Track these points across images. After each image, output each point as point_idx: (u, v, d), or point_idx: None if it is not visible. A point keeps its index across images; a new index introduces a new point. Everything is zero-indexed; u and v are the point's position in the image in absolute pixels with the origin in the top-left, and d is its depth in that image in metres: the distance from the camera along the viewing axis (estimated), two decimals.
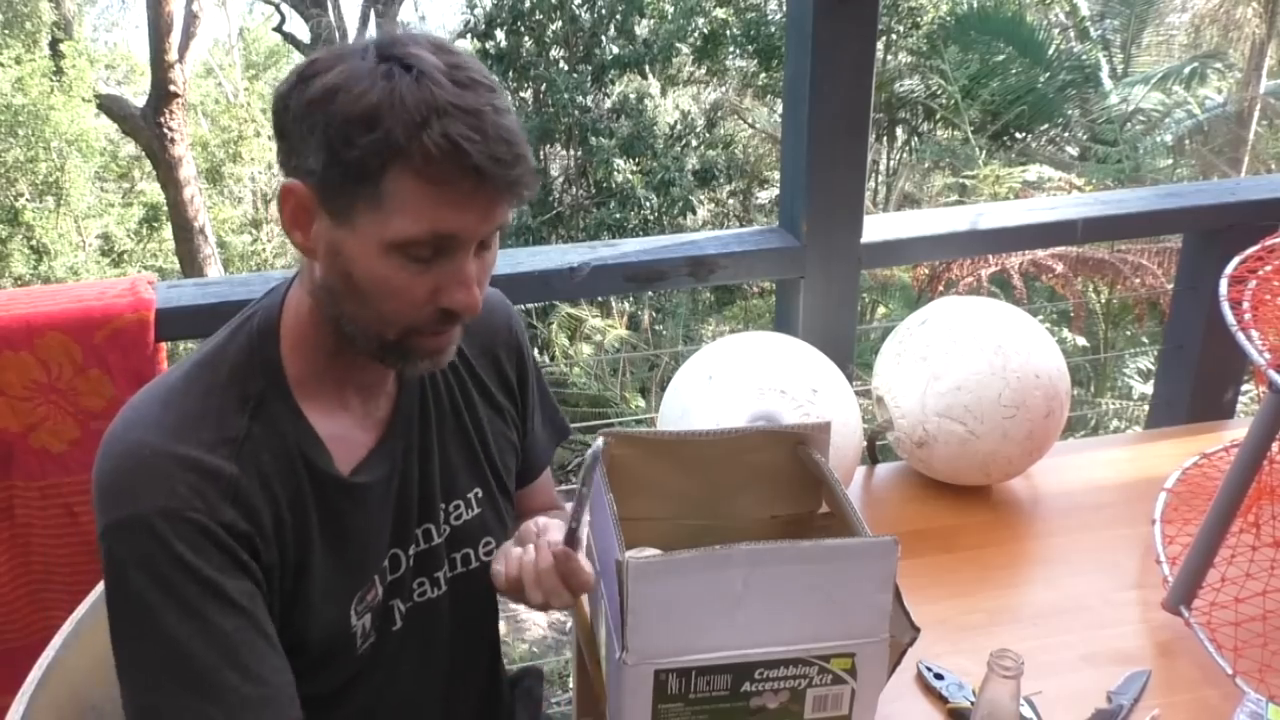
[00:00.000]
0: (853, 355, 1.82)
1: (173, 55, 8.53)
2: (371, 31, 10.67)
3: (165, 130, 8.65)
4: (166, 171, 8.92)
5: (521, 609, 7.01)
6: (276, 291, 0.94)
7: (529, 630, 6.85)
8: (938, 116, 9.95)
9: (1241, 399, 2.34)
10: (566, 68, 9.17)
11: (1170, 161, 7.71)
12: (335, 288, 0.85)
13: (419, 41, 0.81)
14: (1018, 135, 9.03)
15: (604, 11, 9.25)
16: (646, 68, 9.49)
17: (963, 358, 1.40)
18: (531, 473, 1.18)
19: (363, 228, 0.81)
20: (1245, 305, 1.12)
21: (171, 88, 8.58)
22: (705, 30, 10.15)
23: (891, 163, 11.29)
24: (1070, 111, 8.33)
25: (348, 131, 0.78)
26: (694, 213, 9.26)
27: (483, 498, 1.05)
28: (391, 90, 0.77)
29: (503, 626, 6.55)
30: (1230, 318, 1.10)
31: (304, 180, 0.82)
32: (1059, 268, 5.45)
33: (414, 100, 0.77)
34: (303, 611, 0.90)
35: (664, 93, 10.59)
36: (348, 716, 0.98)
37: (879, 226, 1.77)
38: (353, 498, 0.93)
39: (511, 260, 1.64)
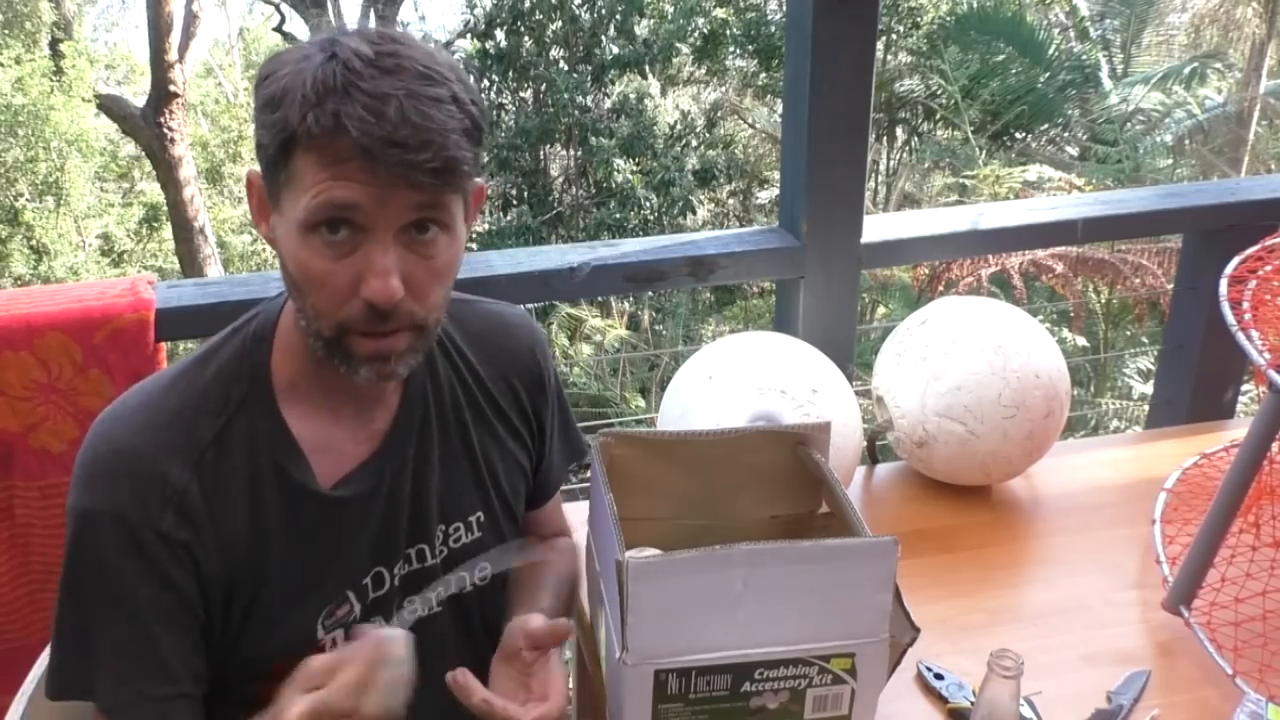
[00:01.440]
0: (853, 355, 1.82)
1: (173, 55, 8.53)
2: None
3: (165, 130, 8.65)
4: (166, 171, 8.92)
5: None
6: (280, 296, 0.94)
7: None
8: (938, 116, 9.96)
9: (1241, 399, 2.34)
10: (566, 68, 9.17)
11: (1170, 161, 7.71)
12: (286, 281, 0.87)
13: (368, 33, 0.82)
14: (1018, 135, 9.04)
15: (604, 11, 9.25)
16: (646, 68, 9.50)
17: (963, 358, 1.40)
18: (543, 495, 1.16)
19: (286, 212, 0.83)
20: (1245, 305, 1.12)
21: (171, 88, 8.58)
22: (705, 30, 10.16)
23: (891, 163, 11.30)
24: (1070, 111, 8.33)
25: (262, 116, 0.81)
26: (694, 213, 9.26)
27: (485, 522, 1.03)
28: (299, 73, 0.79)
29: None
30: (1230, 318, 1.10)
31: (260, 169, 0.85)
32: (1059, 268, 5.46)
33: (314, 82, 0.77)
34: (263, 619, 0.91)
35: (664, 93, 10.60)
36: None
37: (879, 226, 1.77)
38: (326, 511, 0.92)
39: (511, 260, 1.64)
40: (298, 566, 0.91)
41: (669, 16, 9.95)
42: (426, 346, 0.89)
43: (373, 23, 10.56)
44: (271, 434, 0.89)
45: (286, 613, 0.91)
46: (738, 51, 10.57)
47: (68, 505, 0.86)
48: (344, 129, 0.76)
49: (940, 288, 5.79)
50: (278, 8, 12.11)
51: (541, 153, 9.53)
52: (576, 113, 8.97)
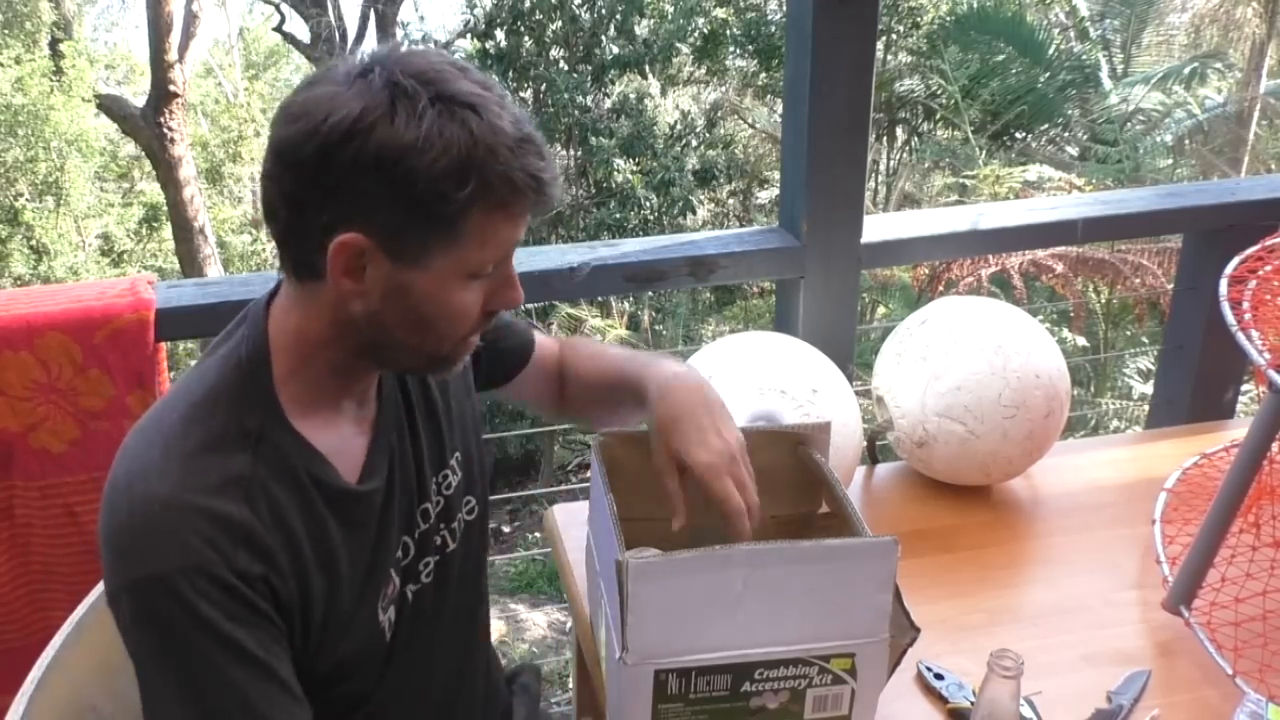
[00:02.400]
0: (853, 355, 1.82)
1: (173, 55, 8.53)
2: (371, 32, 10.68)
3: (165, 130, 8.65)
4: (166, 171, 8.92)
5: (521, 609, 7.02)
6: (253, 316, 0.92)
7: (529, 630, 6.85)
8: (938, 116, 9.96)
9: (1241, 399, 2.34)
10: (566, 68, 9.17)
11: (1170, 161, 7.71)
12: (388, 320, 0.86)
13: (445, 69, 0.82)
14: (1018, 135, 9.04)
15: (604, 11, 9.25)
16: (646, 68, 9.50)
17: (963, 358, 1.40)
18: (515, 357, 1.21)
19: (438, 265, 0.84)
20: (1245, 305, 1.12)
21: (171, 88, 8.58)
22: (705, 30, 10.16)
23: (891, 163, 11.30)
24: (1070, 111, 8.33)
25: (440, 188, 0.79)
26: (694, 213, 9.26)
27: (461, 459, 1.07)
28: (475, 141, 0.80)
29: (502, 626, 6.57)
30: (1230, 318, 1.10)
31: (364, 231, 0.81)
32: (1059, 268, 5.46)
33: (495, 144, 0.80)
34: (339, 624, 0.91)
35: (664, 93, 10.60)
36: (370, 711, 0.99)
37: (879, 226, 1.77)
38: (366, 504, 0.94)
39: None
40: (359, 564, 0.93)
41: (669, 16, 9.95)
42: None
43: (372, 22, 10.58)
44: (297, 451, 0.89)
45: (356, 611, 0.93)
46: (738, 51, 10.57)
47: (121, 585, 0.82)
48: (542, 183, 0.83)
49: (940, 288, 5.80)
50: (278, 8, 12.11)
51: None
52: (576, 113, 8.97)
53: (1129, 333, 6.31)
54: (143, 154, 10.23)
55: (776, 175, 7.31)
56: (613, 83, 9.48)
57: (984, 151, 8.23)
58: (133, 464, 0.85)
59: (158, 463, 0.84)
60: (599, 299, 8.22)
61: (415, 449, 1.01)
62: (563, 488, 8.06)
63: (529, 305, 6.36)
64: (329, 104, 0.79)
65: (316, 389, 0.91)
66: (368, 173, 0.79)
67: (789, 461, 1.09)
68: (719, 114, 11.16)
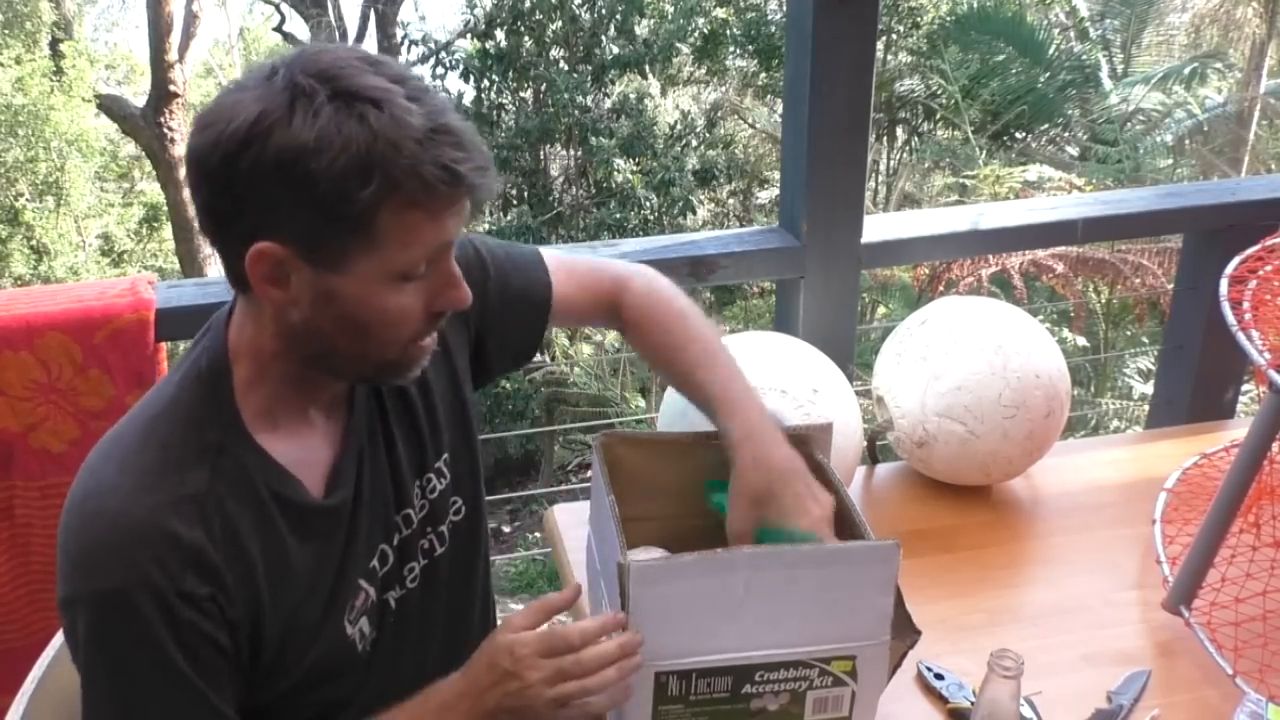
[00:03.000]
0: (853, 355, 1.82)
1: (173, 55, 8.54)
2: (372, 32, 10.67)
3: (165, 130, 8.65)
4: (166, 171, 8.92)
5: (521, 609, 7.00)
6: (214, 329, 0.91)
7: None
8: (938, 116, 9.96)
9: (1241, 399, 2.34)
10: (566, 68, 9.17)
11: (1170, 161, 7.71)
12: (325, 328, 0.84)
13: (350, 64, 0.79)
14: (1018, 135, 9.04)
15: (604, 11, 9.25)
16: (646, 68, 9.49)
17: (963, 358, 1.40)
18: (544, 302, 1.12)
19: (359, 270, 0.80)
20: (1245, 305, 1.12)
21: (171, 88, 8.58)
22: (705, 30, 10.16)
23: (891, 163, 11.30)
24: (1070, 111, 8.33)
25: (343, 188, 0.76)
26: (694, 213, 9.26)
27: (449, 460, 1.05)
28: (375, 135, 0.76)
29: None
30: (1230, 318, 1.10)
31: (278, 240, 0.79)
32: (1059, 268, 5.46)
33: (398, 138, 0.76)
34: (302, 637, 0.91)
35: (664, 93, 10.60)
36: (356, 713, 0.99)
37: (879, 226, 1.77)
38: (331, 518, 0.92)
39: None
40: (322, 580, 0.92)
41: (669, 16, 9.94)
42: None
43: (372, 22, 10.57)
44: (258, 466, 0.88)
45: (319, 625, 0.92)
46: (738, 51, 10.56)
47: (68, 596, 0.82)
48: (457, 176, 0.78)
49: (940, 288, 5.80)
50: (278, 8, 12.11)
51: (541, 153, 9.53)
52: (576, 113, 8.97)
53: (1129, 333, 6.31)
54: (143, 154, 10.24)
55: (776, 175, 7.30)
56: (613, 83, 9.47)
57: (984, 151, 8.23)
58: (89, 479, 0.85)
59: (113, 478, 0.84)
60: None
61: (391, 456, 0.98)
62: (563, 488, 8.06)
63: None
64: (231, 110, 0.77)
65: (278, 400, 0.90)
66: (269, 178, 0.76)
67: None
68: (719, 114, 11.15)
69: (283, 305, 0.83)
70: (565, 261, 1.15)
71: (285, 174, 0.76)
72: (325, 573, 0.92)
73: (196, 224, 0.88)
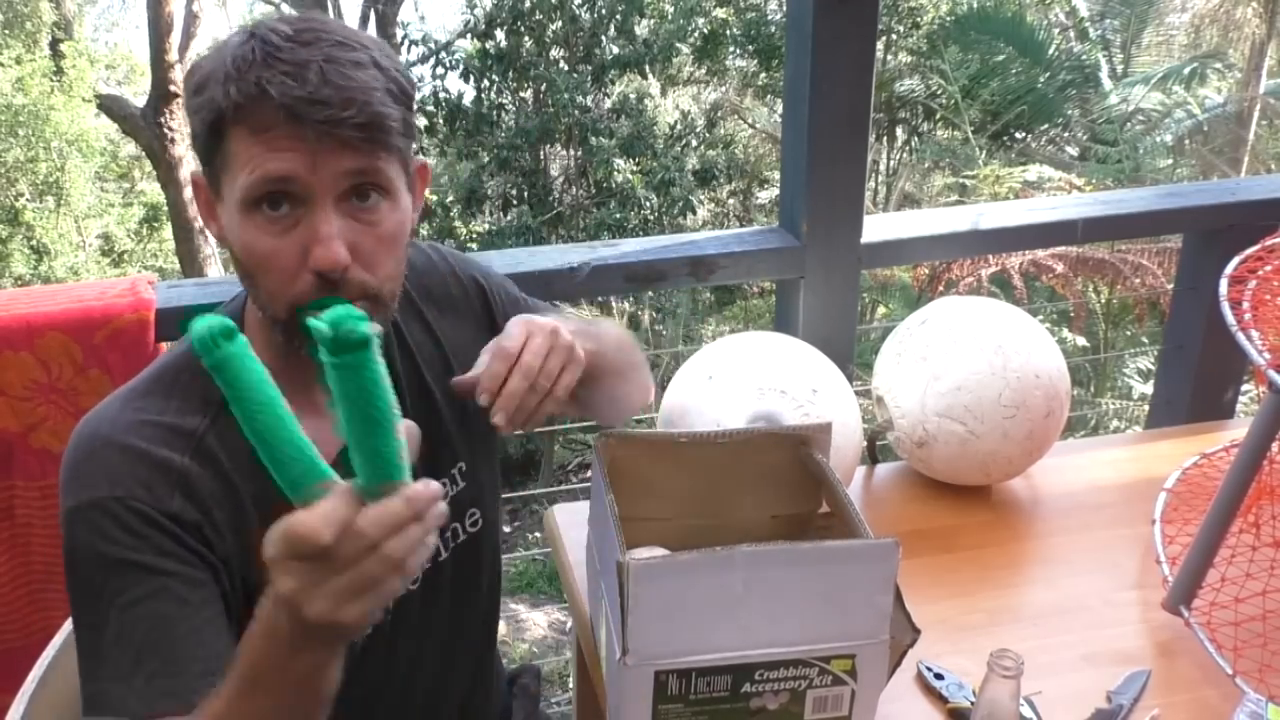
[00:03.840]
0: (853, 355, 1.82)
1: (173, 55, 8.53)
2: (372, 32, 10.67)
3: (165, 130, 8.64)
4: (166, 171, 8.91)
5: (521, 609, 7.02)
6: (236, 298, 0.94)
7: (529, 630, 6.85)
8: (938, 116, 9.96)
9: (1241, 399, 2.34)
10: (566, 68, 9.17)
11: (1170, 161, 7.72)
12: (239, 272, 0.87)
13: (287, 17, 0.83)
14: (1018, 135, 9.04)
15: (604, 11, 9.25)
16: (646, 68, 9.49)
17: (963, 358, 1.40)
18: None
19: (226, 196, 0.84)
20: (1245, 305, 1.12)
21: (172, 88, 8.57)
22: (705, 30, 10.16)
23: (891, 163, 11.30)
24: (1070, 111, 8.34)
25: (190, 100, 0.82)
26: (694, 213, 9.26)
27: (467, 470, 1.05)
28: (220, 55, 0.81)
29: (503, 626, 6.56)
30: (1230, 318, 1.10)
31: (200, 166, 0.86)
32: (1059, 268, 5.46)
33: (234, 58, 0.80)
34: None
35: (664, 93, 10.61)
36: (347, 706, 0.98)
37: (879, 226, 1.77)
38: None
39: (511, 260, 1.64)
40: None
41: (669, 16, 9.95)
42: (386, 319, 0.89)
43: (373, 22, 10.57)
44: None
45: None
46: (738, 51, 10.57)
47: (63, 510, 0.84)
48: (266, 95, 0.78)
49: (940, 288, 5.80)
50: (278, 8, 12.11)
51: (541, 153, 9.53)
52: (576, 113, 8.97)
53: (1129, 333, 6.31)
54: (143, 154, 10.22)
55: (776, 175, 7.30)
56: (613, 83, 9.48)
57: (984, 151, 8.23)
58: (94, 413, 0.88)
59: (114, 410, 0.87)
60: (599, 299, 8.21)
61: None
62: (563, 488, 8.06)
63: None
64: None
65: (279, 370, 0.89)
66: (187, 102, 0.84)
67: (790, 462, 1.09)
68: (719, 114, 11.15)
69: (222, 242, 0.87)
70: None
71: (185, 95, 0.85)
72: None
73: None
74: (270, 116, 0.78)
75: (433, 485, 0.68)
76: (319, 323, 0.61)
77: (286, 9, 11.76)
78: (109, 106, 9.61)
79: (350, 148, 0.80)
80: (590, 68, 9.16)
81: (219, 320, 0.62)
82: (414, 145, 0.88)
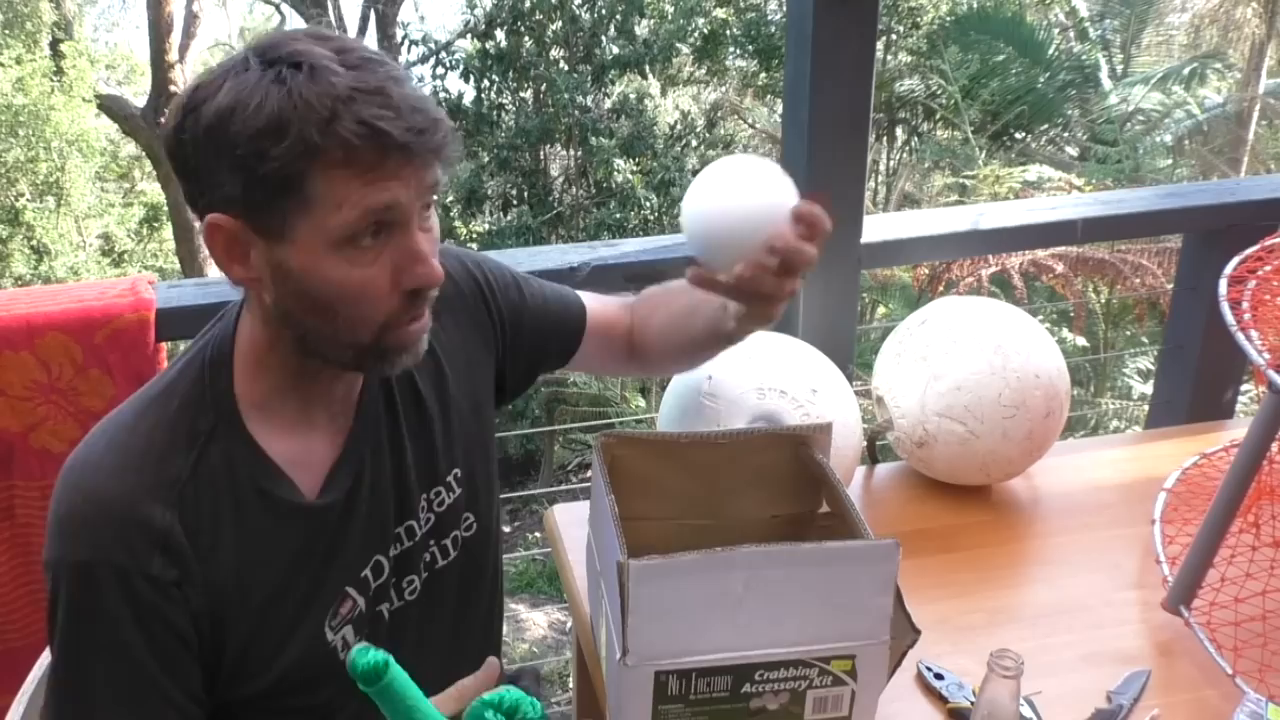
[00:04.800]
0: (853, 355, 1.82)
1: (173, 55, 8.54)
2: (372, 32, 10.68)
3: None
4: (167, 171, 8.92)
5: (521, 609, 7.02)
6: (227, 317, 0.92)
7: (529, 630, 6.86)
8: (938, 116, 9.96)
9: (1241, 399, 2.34)
10: (566, 68, 9.17)
11: (1170, 161, 7.72)
12: (291, 309, 0.84)
13: (298, 37, 0.80)
14: (1018, 135, 9.04)
15: (604, 11, 9.25)
16: (646, 68, 9.50)
17: (963, 358, 1.40)
18: (573, 335, 1.17)
19: (302, 237, 0.79)
20: (1245, 305, 1.12)
21: (172, 88, 8.59)
22: (705, 30, 10.16)
23: (891, 163, 11.30)
24: (1070, 111, 8.34)
25: (259, 146, 0.76)
26: None
27: (462, 476, 1.04)
28: (289, 92, 0.76)
29: (503, 626, 6.56)
30: (1230, 318, 1.10)
31: (226, 211, 0.80)
32: (1059, 268, 5.47)
33: (315, 95, 0.75)
34: (269, 639, 0.90)
35: (664, 93, 10.60)
36: (345, 717, 0.98)
37: (879, 226, 1.77)
38: (316, 521, 0.92)
39: (511, 260, 1.63)
40: (299, 581, 0.91)
41: (669, 16, 9.95)
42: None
43: (373, 23, 10.58)
44: (247, 459, 0.88)
45: (293, 627, 0.91)
46: (738, 51, 10.57)
47: (46, 560, 0.84)
48: (380, 132, 0.76)
49: (940, 288, 5.80)
50: (278, 8, 12.13)
51: (541, 153, 9.53)
52: (576, 113, 8.97)
53: (1129, 333, 6.31)
54: (143, 154, 10.25)
55: None
56: (613, 83, 9.48)
57: (984, 151, 8.23)
58: (81, 451, 0.87)
59: (100, 454, 0.86)
60: None
61: (398, 465, 0.98)
62: (563, 488, 8.06)
63: None
64: (184, 93, 0.81)
65: (277, 395, 0.90)
66: (202, 146, 0.78)
67: (790, 462, 1.09)
68: (719, 114, 11.16)
69: (252, 287, 0.84)
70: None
71: (212, 139, 0.77)
72: (302, 574, 0.91)
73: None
74: (376, 153, 0.77)
75: None
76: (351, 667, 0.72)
77: (286, 9, 11.77)
78: (109, 106, 9.63)
79: (432, 167, 0.81)
80: (590, 68, 9.16)
81: (378, 657, 0.71)
82: None
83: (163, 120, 0.85)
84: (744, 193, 0.93)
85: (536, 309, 1.14)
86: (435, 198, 0.85)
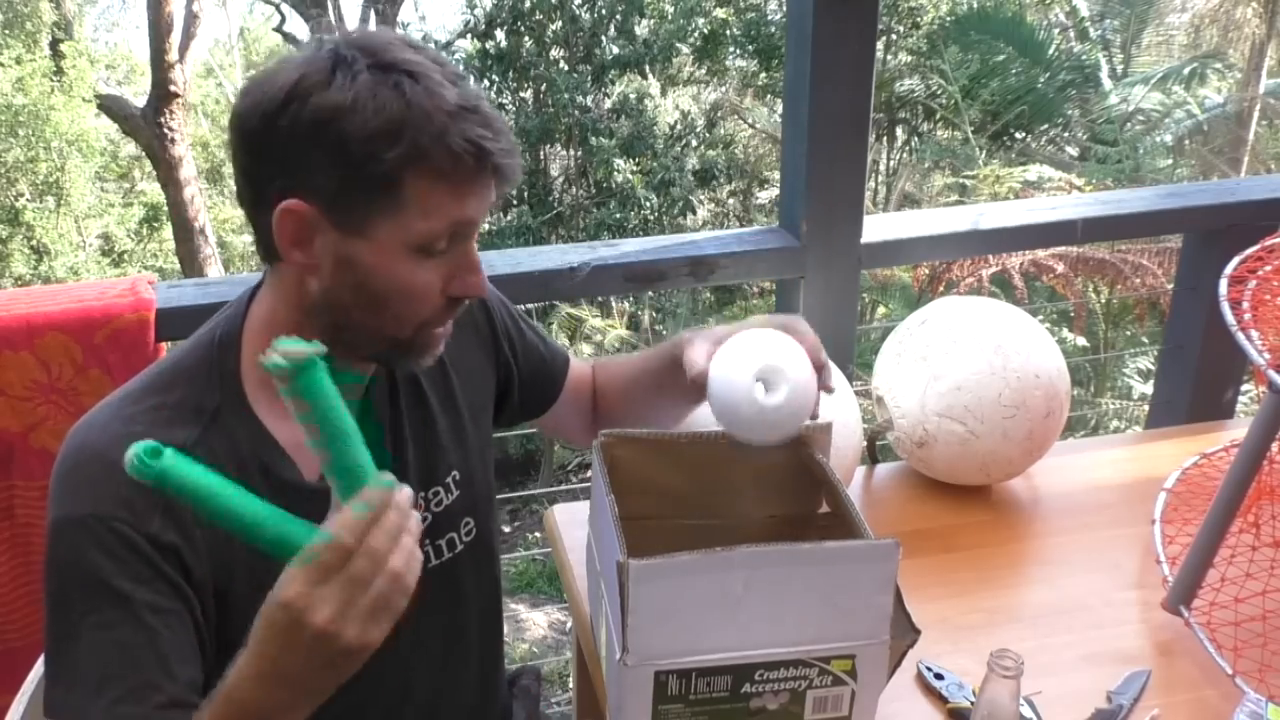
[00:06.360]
0: (853, 355, 1.82)
1: (173, 55, 8.53)
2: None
3: (165, 130, 8.65)
4: (167, 171, 8.92)
5: (521, 609, 7.02)
6: (239, 302, 0.94)
7: (529, 630, 6.86)
8: (938, 116, 9.96)
9: (1241, 399, 2.34)
10: (566, 68, 9.18)
11: (1170, 161, 7.72)
12: (343, 299, 0.86)
13: (400, 45, 0.83)
14: (1018, 135, 9.04)
15: (604, 11, 9.26)
16: (646, 68, 9.50)
17: (963, 358, 1.40)
18: (552, 383, 1.21)
19: (382, 235, 0.83)
20: (1245, 305, 1.12)
21: (172, 88, 8.58)
22: (705, 30, 10.16)
23: (891, 163, 11.30)
24: (1070, 111, 8.34)
25: (372, 149, 0.79)
26: (694, 213, 9.27)
27: (460, 479, 1.05)
28: (408, 103, 0.79)
29: (503, 626, 6.57)
30: (1230, 318, 1.10)
31: (307, 199, 0.82)
32: (1059, 268, 5.46)
33: (431, 107, 0.80)
34: None
35: (664, 93, 10.60)
36: (338, 714, 0.98)
37: (879, 226, 1.77)
38: (316, 505, 0.91)
39: (511, 260, 1.64)
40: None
41: (669, 16, 9.95)
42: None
43: (373, 23, 10.58)
44: (251, 436, 0.89)
45: None
46: (738, 51, 10.57)
47: (50, 519, 0.84)
48: (485, 151, 0.81)
49: (940, 288, 5.80)
50: (278, 8, 12.12)
51: (541, 153, 9.54)
52: (576, 113, 8.98)
53: (1129, 333, 6.31)
54: (143, 154, 10.23)
55: (776, 175, 7.30)
56: (613, 83, 9.48)
57: (984, 151, 8.23)
58: (86, 419, 0.88)
59: (105, 419, 0.87)
60: (599, 299, 8.22)
61: (399, 463, 0.99)
62: (563, 488, 8.06)
63: (530, 305, 6.35)
64: (275, 75, 0.82)
65: None
66: (305, 136, 0.80)
67: (790, 461, 1.09)
68: (719, 114, 11.16)
69: (305, 271, 0.86)
70: None
71: (320, 132, 0.79)
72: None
73: (235, 193, 0.89)
74: (473, 170, 0.82)
75: (399, 488, 0.74)
76: (276, 359, 0.68)
77: (286, 9, 11.77)
78: (109, 106, 9.62)
79: (505, 184, 0.86)
80: (590, 68, 9.16)
81: (143, 446, 0.68)
82: None
83: (243, 100, 0.87)
84: (780, 395, 0.99)
85: (531, 343, 1.18)
86: None
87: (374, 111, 0.79)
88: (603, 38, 9.34)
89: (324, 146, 0.80)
